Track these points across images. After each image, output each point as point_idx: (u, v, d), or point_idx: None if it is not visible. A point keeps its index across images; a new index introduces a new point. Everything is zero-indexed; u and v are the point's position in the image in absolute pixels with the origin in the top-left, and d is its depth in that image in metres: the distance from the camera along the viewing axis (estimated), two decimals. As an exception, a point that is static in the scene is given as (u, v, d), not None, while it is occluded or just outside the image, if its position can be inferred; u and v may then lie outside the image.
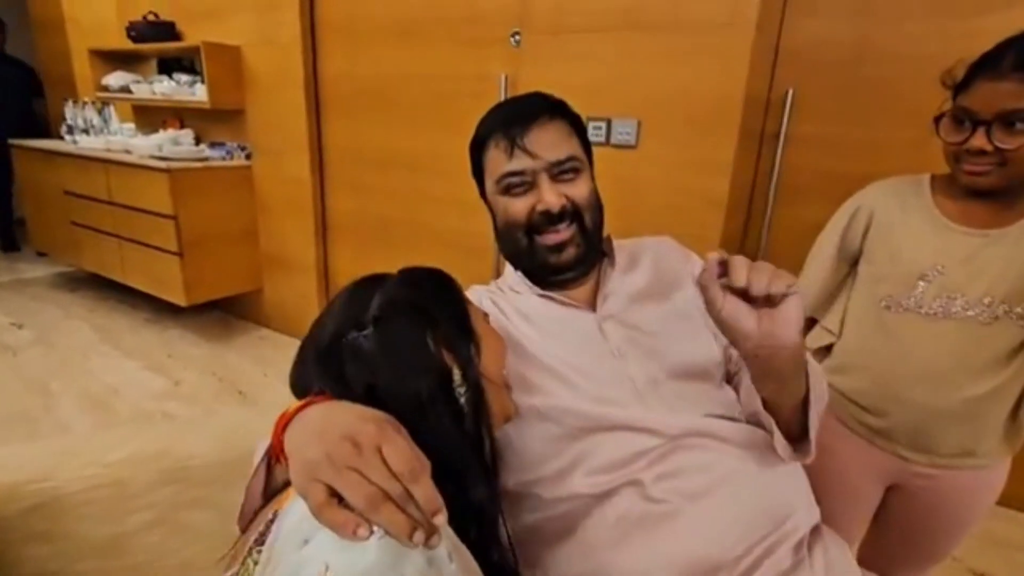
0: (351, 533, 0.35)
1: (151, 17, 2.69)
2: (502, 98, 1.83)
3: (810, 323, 1.00)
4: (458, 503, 0.45)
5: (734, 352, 0.76)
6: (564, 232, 0.74)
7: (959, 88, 0.76)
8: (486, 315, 0.66)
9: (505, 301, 0.79)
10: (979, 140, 0.73)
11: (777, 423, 0.64)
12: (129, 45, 2.74)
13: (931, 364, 0.81)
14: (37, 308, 3.01)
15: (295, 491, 0.40)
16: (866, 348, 0.89)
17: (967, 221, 0.80)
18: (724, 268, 0.55)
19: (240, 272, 2.74)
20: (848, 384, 0.91)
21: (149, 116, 3.04)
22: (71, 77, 3.43)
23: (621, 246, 0.85)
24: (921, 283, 0.81)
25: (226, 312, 3.03)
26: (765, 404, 0.64)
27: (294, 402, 0.49)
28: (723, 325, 0.56)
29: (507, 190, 0.75)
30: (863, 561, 0.87)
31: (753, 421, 0.68)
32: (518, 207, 0.74)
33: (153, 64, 3.02)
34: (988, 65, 0.72)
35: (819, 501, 0.69)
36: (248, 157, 2.64)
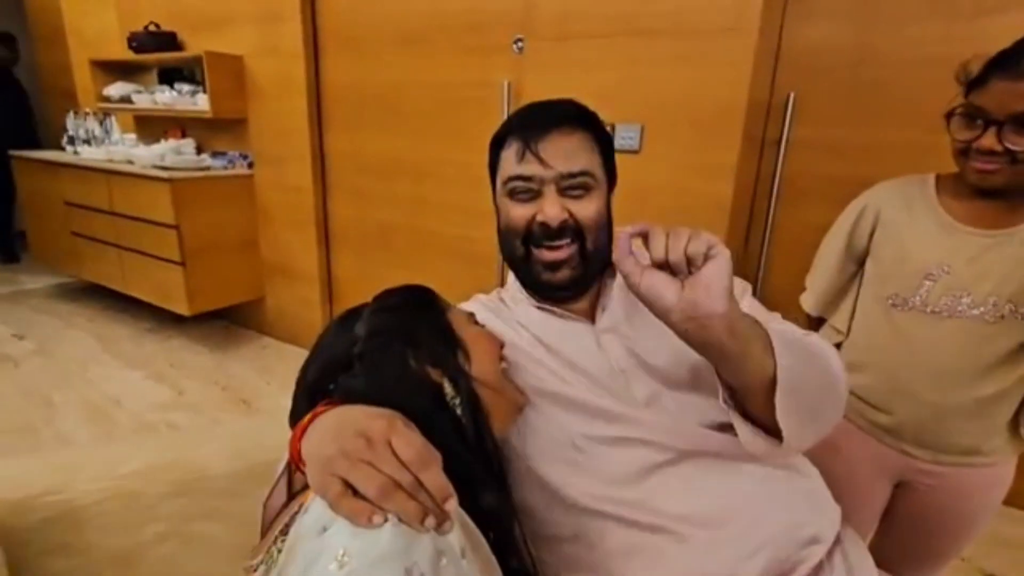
0: (366, 521, 0.37)
1: (152, 27, 2.70)
2: (505, 106, 1.84)
3: (818, 322, 1.01)
4: (471, 511, 0.47)
5: None
6: (562, 251, 0.70)
7: (972, 85, 0.75)
8: (470, 315, 0.66)
9: (507, 313, 0.78)
10: (989, 140, 0.72)
11: (751, 409, 0.57)
12: (130, 55, 2.75)
13: (938, 362, 0.82)
14: (38, 319, 3.00)
15: (313, 490, 0.42)
16: (873, 346, 0.89)
17: (973, 221, 0.80)
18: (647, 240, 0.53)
19: (242, 281, 2.74)
20: (856, 381, 0.91)
21: (150, 126, 3.05)
22: (72, 88, 3.44)
23: None
24: (927, 282, 0.81)
25: (228, 321, 3.02)
26: (732, 391, 0.58)
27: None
28: (645, 301, 0.54)
29: (512, 194, 0.72)
30: (872, 562, 0.87)
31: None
32: (519, 214, 0.71)
33: (154, 74, 3.03)
34: (1004, 64, 0.71)
35: None
36: (250, 166, 2.64)
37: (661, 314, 0.54)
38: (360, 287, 2.54)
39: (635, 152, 1.65)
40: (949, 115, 0.78)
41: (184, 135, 2.86)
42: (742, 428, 0.58)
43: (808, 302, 1.01)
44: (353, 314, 0.61)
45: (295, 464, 0.47)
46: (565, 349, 0.71)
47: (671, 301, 0.52)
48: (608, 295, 0.75)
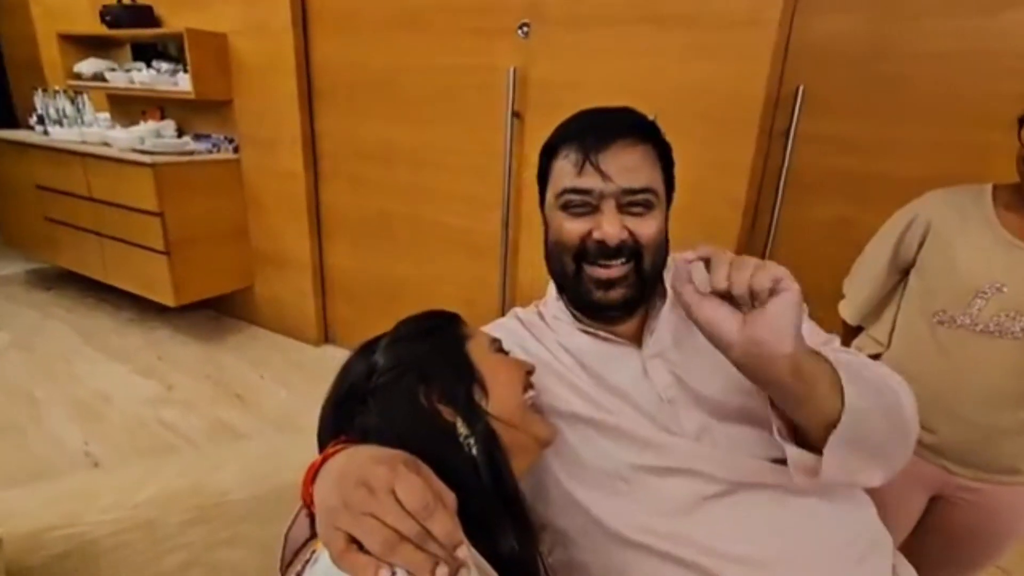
0: None
1: (127, 1, 2.53)
2: (510, 93, 1.77)
3: (856, 331, 0.99)
4: (491, 555, 0.45)
5: None
6: (617, 269, 0.66)
7: None
8: (494, 341, 0.62)
9: (547, 334, 0.75)
10: None
11: (810, 441, 0.54)
12: (103, 30, 2.58)
13: (986, 383, 0.80)
14: (12, 309, 2.87)
15: (321, 542, 0.41)
16: (916, 362, 0.87)
17: None
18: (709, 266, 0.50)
19: (231, 270, 2.64)
20: None
21: (125, 106, 2.89)
22: (38, 62, 3.23)
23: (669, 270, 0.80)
24: (978, 300, 0.79)
25: (214, 310, 2.93)
26: (787, 421, 0.55)
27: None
28: (704, 332, 0.51)
29: (566, 207, 0.67)
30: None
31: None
32: (573, 228, 0.67)
33: (127, 50, 2.86)
34: None
35: None
36: (236, 150, 2.53)
37: (721, 346, 0.51)
38: (356, 276, 2.47)
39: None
40: (1022, 119, 0.74)
41: (163, 116, 2.72)
42: (796, 462, 0.55)
43: (847, 311, 0.98)
44: (369, 347, 0.59)
45: (307, 508, 0.45)
46: (609, 375, 0.69)
47: (732, 337, 0.49)
48: (656, 317, 0.71)
